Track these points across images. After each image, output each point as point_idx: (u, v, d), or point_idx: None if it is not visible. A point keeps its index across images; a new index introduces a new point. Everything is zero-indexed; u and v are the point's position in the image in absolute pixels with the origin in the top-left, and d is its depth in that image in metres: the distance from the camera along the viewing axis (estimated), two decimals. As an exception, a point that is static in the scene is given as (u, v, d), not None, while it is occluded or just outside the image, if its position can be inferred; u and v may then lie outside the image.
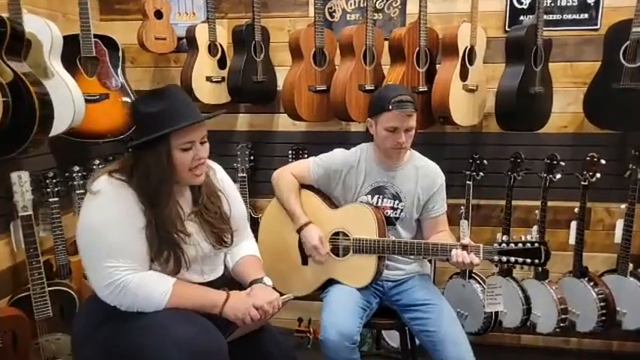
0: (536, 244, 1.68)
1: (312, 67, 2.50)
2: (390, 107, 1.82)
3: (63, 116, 2.04)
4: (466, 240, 1.77)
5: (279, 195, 2.03)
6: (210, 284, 1.58)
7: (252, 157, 2.75)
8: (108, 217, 1.40)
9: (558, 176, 2.42)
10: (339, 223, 1.96)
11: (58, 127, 2.03)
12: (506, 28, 2.56)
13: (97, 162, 2.43)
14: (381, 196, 1.98)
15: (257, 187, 2.83)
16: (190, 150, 1.45)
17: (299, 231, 1.95)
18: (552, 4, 2.53)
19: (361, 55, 2.45)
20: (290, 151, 2.73)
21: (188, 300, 1.46)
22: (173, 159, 1.43)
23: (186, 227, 1.51)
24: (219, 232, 1.59)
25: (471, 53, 2.42)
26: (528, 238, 1.72)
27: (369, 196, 1.99)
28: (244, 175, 2.74)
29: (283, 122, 2.81)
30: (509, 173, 2.50)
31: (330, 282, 1.97)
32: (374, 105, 1.92)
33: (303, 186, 2.05)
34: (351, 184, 2.00)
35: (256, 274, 1.64)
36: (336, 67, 2.56)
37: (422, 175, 1.98)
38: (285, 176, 2.03)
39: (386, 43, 2.54)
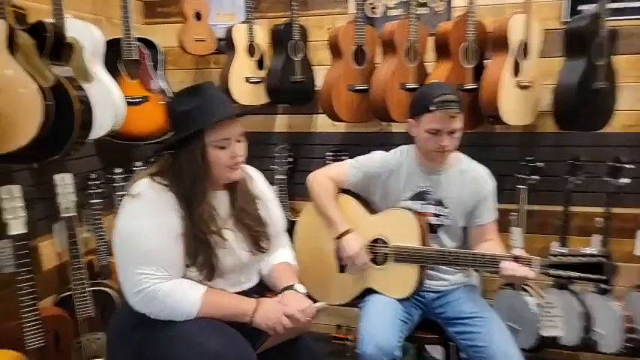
0: (599, 258, 1.51)
1: (352, 65, 2.40)
2: (433, 107, 1.69)
3: (104, 119, 2.05)
4: (518, 250, 1.62)
5: (316, 199, 1.94)
6: (244, 294, 1.52)
7: (290, 159, 2.70)
8: (144, 222, 1.37)
9: (624, 180, 2.20)
10: (379, 230, 1.86)
11: (99, 129, 2.05)
12: (565, 19, 2.37)
13: (139, 164, 2.44)
14: (423, 202, 1.86)
15: (295, 189, 2.76)
16: (226, 148, 1.41)
17: (338, 238, 1.86)
18: (615, -9, 2.30)
19: (404, 52, 2.33)
20: (329, 153, 2.65)
21: (218, 309, 1.40)
22: (208, 156, 1.40)
23: (222, 232, 1.46)
24: (257, 236, 1.53)
25: (524, 47, 2.25)
26: (588, 250, 1.54)
27: (411, 202, 1.87)
28: (283, 177, 2.68)
29: (322, 123, 2.73)
30: (568, 177, 2.30)
31: (369, 291, 1.87)
32: (415, 105, 1.80)
33: (341, 190, 1.96)
34: (391, 188, 1.88)
35: (289, 281, 1.57)
36: (377, 65, 2.45)
37: (469, 180, 1.84)
38: (322, 180, 1.95)
39: (430, 39, 2.40)
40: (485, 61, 2.35)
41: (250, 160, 2.76)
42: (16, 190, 1.72)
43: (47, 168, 2.04)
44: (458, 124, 1.74)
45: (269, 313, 1.42)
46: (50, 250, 2.12)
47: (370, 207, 1.94)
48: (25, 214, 1.74)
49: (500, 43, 2.25)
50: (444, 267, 1.84)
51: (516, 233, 2.42)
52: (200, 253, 1.40)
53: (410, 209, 1.85)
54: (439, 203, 1.85)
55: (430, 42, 2.40)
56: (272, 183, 2.73)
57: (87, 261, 2.11)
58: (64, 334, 1.89)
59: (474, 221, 1.87)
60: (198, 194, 1.41)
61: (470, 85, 2.30)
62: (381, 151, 1.96)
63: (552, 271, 1.56)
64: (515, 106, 2.26)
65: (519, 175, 2.37)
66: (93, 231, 2.25)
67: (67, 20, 1.94)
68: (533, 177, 2.35)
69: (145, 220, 1.37)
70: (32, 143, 1.61)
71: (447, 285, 1.87)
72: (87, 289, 2.02)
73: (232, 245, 1.48)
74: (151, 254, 1.35)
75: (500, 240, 1.89)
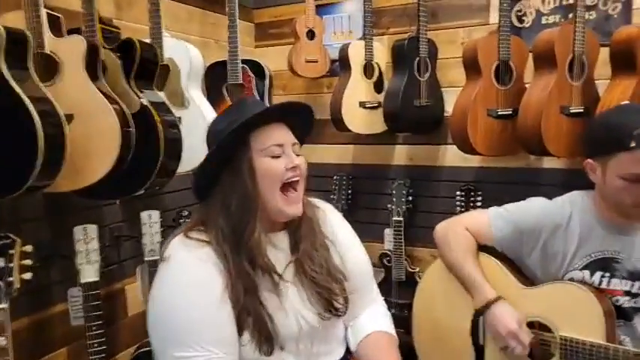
0: None
1: (494, 85, 1.92)
2: (634, 144, 1.17)
3: (196, 149, 1.80)
4: None
5: (449, 255, 1.48)
6: None
7: (410, 198, 2.29)
8: (180, 292, 1.05)
9: None
10: (537, 310, 1.33)
11: (191, 160, 1.80)
12: None
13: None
14: (607, 274, 1.31)
15: (415, 233, 2.33)
16: (280, 157, 1.11)
17: (483, 309, 1.37)
18: None
19: (566, 67, 1.79)
20: (458, 192, 2.17)
21: None
22: (257, 169, 1.09)
23: (279, 284, 1.11)
24: (327, 294, 1.14)
25: None
26: None
27: (587, 273, 1.33)
28: (400, 218, 2.27)
29: (451, 156, 2.26)
30: None
31: (520, 396, 1.34)
32: (601, 139, 1.28)
33: (481, 249, 1.47)
34: (556, 251, 1.36)
35: None
36: (526, 85, 1.93)
37: (681, 246, 1.25)
38: (458, 231, 1.48)
39: (603, 50, 1.83)
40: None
41: (363, 197, 2.49)
42: (91, 230, 1.51)
43: (138, 202, 1.86)
44: None
45: None
46: (136, 294, 1.91)
47: (522, 275, 1.42)
48: (100, 258, 1.51)
49: None
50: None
51: None
52: (248, 311, 1.05)
53: (585, 283, 1.30)
54: (635, 277, 1.29)
55: (603, 53, 1.82)
56: (387, 225, 2.33)
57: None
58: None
59: (690, 307, 1.26)
60: (249, 223, 1.08)
61: (664, 109, 1.68)
62: (541, 198, 1.45)
63: None
64: None
65: None
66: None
67: (165, 40, 1.75)
68: None
69: (179, 290, 1.05)
70: (111, 177, 1.38)
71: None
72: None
73: (295, 306, 1.11)
74: (190, 331, 1.01)
75: None
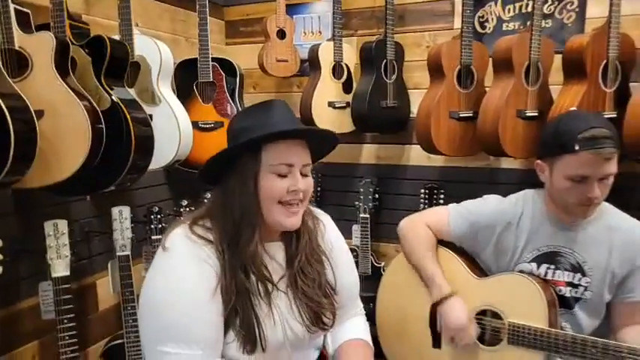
0: None
1: (456, 88, 2.01)
2: (577, 147, 1.26)
3: (167, 147, 1.84)
4: None
5: (411, 252, 1.56)
6: None
7: (376, 195, 2.36)
8: (173, 287, 1.06)
9: None
10: (489, 299, 1.43)
11: (162, 158, 1.84)
12: None
13: (209, 195, 2.21)
14: (552, 267, 1.41)
15: (380, 229, 2.42)
16: (286, 177, 1.09)
17: (438, 304, 1.46)
18: None
19: (522, 73, 1.89)
20: (422, 190, 2.26)
21: None
22: (261, 183, 1.08)
23: (272, 293, 1.12)
24: (317, 309, 1.16)
25: (688, 65, 1.72)
26: None
27: (534, 265, 1.42)
28: (367, 215, 2.34)
29: (416, 155, 2.35)
30: None
31: (473, 379, 1.43)
32: (549, 142, 1.37)
33: (440, 243, 1.55)
34: (507, 246, 1.45)
35: None
36: (487, 88, 2.03)
37: (620, 241, 1.37)
38: (418, 228, 1.56)
39: (557, 56, 1.94)
40: (631, 84, 1.85)
41: (331, 194, 2.55)
42: (62, 225, 1.52)
43: (109, 198, 1.87)
44: (613, 167, 1.29)
45: None
46: (107, 289, 1.93)
47: (477, 268, 1.51)
48: (70, 253, 1.53)
49: (655, 60, 1.74)
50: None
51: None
52: (238, 313, 1.07)
53: (532, 275, 1.40)
54: (577, 269, 1.39)
55: (558, 60, 1.94)
56: (354, 221, 2.40)
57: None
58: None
59: (625, 296, 1.39)
60: (248, 232, 1.08)
61: (610, 114, 1.81)
62: (496, 196, 1.54)
63: None
64: (676, 142, 1.72)
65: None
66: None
67: (135, 37, 1.77)
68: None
69: (174, 284, 1.06)
70: (81, 173, 1.40)
71: (584, 383, 1.38)
72: (139, 339, 1.77)
73: (284, 315, 1.13)
74: (178, 327, 1.03)
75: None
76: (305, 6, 2.50)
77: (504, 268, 1.46)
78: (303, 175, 1.10)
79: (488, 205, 1.51)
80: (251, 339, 1.07)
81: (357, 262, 2.40)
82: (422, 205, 2.24)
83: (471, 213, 1.51)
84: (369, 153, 2.49)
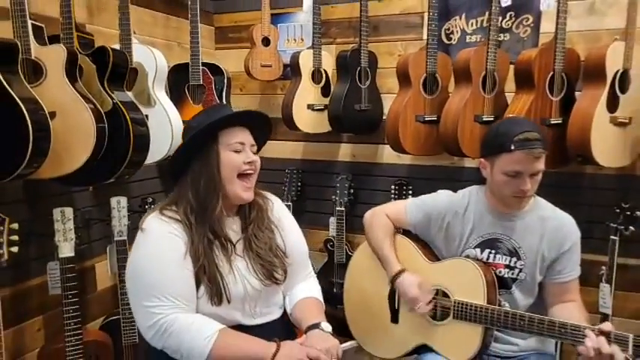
0: None
1: (421, 94, 2.24)
2: (513, 147, 1.48)
3: (161, 144, 2.04)
4: (607, 325, 1.35)
5: (371, 238, 1.78)
6: (263, 329, 1.41)
7: (351, 190, 2.58)
8: (150, 255, 1.33)
9: None
10: (439, 280, 1.66)
11: (157, 153, 2.05)
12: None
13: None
14: (493, 251, 1.64)
15: (355, 222, 2.62)
16: (241, 153, 1.40)
17: (393, 280, 1.68)
18: None
19: (480, 82, 2.12)
20: (393, 186, 2.49)
21: (233, 350, 1.29)
22: (222, 159, 1.37)
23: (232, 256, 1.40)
24: (269, 266, 1.43)
25: (623, 78, 1.96)
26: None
27: (478, 250, 1.65)
28: (342, 208, 2.56)
29: (388, 154, 2.57)
30: (674, 230, 1.96)
31: (424, 348, 1.66)
32: (490, 143, 1.59)
33: (401, 231, 1.78)
34: (455, 233, 1.68)
35: (313, 319, 1.43)
36: (450, 94, 2.26)
37: (550, 229, 1.60)
38: (380, 217, 1.78)
39: (512, 67, 2.18)
40: (576, 93, 2.09)
41: (311, 189, 2.77)
42: (68, 212, 1.73)
43: (108, 189, 2.07)
44: (541, 165, 1.51)
45: (290, 356, 1.28)
46: (105, 271, 2.13)
47: (431, 253, 1.74)
48: (75, 237, 1.74)
49: (594, 74, 1.98)
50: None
51: (605, 290, 2.09)
52: (205, 271, 1.33)
53: (476, 259, 1.64)
54: (513, 253, 1.62)
55: (512, 70, 2.17)
56: (331, 214, 2.62)
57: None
58: (104, 359, 1.86)
59: (554, 277, 1.61)
60: (213, 200, 1.37)
61: (556, 120, 2.05)
62: (447, 191, 1.77)
63: (651, 354, 1.27)
64: (609, 145, 1.97)
65: (612, 224, 2.05)
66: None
67: (134, 46, 1.97)
68: (628, 227, 2.02)
69: (151, 253, 1.33)
70: (86, 166, 1.61)
71: (516, 351, 1.62)
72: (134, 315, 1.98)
73: (242, 272, 1.40)
74: (158, 285, 1.29)
75: (581, 302, 1.62)
76: (288, 15, 2.71)
77: (453, 252, 1.69)
78: (253, 153, 1.42)
79: (440, 198, 1.74)
80: (217, 292, 1.34)
81: (332, 252, 2.62)
82: (392, 199, 2.47)
83: (425, 204, 1.74)
84: (345, 151, 2.71)
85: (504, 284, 1.63)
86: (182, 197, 1.39)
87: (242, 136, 1.40)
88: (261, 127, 1.49)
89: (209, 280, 1.33)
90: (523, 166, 1.50)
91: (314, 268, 2.69)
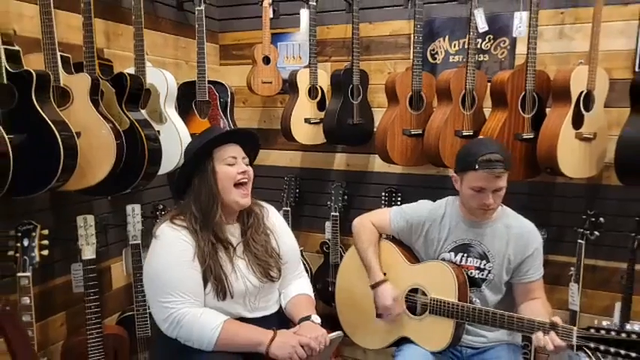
0: (644, 336, 1.42)
1: (408, 110, 2.45)
2: (477, 166, 1.69)
3: (171, 156, 2.25)
4: (556, 318, 1.56)
5: (358, 244, 2.00)
6: (261, 321, 1.63)
7: (345, 197, 2.78)
8: (164, 258, 1.56)
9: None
10: (418, 280, 1.87)
11: (168, 164, 2.25)
12: (637, 69, 2.26)
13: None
14: (465, 255, 1.85)
15: (349, 226, 2.71)
16: (234, 165, 1.62)
17: (373, 287, 1.91)
18: (696, 40, 2.17)
19: (459, 100, 2.34)
20: (383, 193, 2.70)
21: (236, 338, 1.52)
22: (218, 173, 1.60)
23: (234, 257, 1.62)
24: (265, 266, 1.66)
25: (587, 98, 2.17)
26: (637, 327, 1.46)
27: (452, 254, 1.87)
28: (336, 214, 2.77)
29: (379, 163, 2.76)
30: (634, 234, 2.17)
31: (405, 340, 1.88)
32: (460, 161, 1.81)
33: (386, 236, 2.00)
34: (433, 238, 1.90)
35: (305, 312, 1.66)
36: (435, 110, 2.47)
37: (514, 236, 1.81)
38: (366, 225, 2.00)
39: (489, 85, 2.39)
40: (547, 109, 2.30)
41: (308, 195, 2.99)
42: (90, 219, 1.95)
43: (124, 197, 2.28)
44: (502, 182, 1.72)
45: (285, 343, 1.51)
46: (121, 271, 2.36)
47: (412, 255, 1.96)
48: (96, 241, 1.96)
49: (561, 94, 2.19)
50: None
51: (574, 289, 2.31)
52: (211, 271, 1.56)
53: (451, 262, 1.85)
54: (482, 257, 1.83)
55: (489, 89, 2.38)
56: (327, 218, 2.82)
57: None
58: (122, 351, 2.09)
59: (520, 278, 1.83)
60: (215, 211, 1.59)
61: (527, 135, 2.26)
62: (426, 201, 1.98)
63: (592, 345, 1.48)
64: (574, 159, 2.18)
65: (579, 230, 2.27)
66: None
67: (147, 69, 2.18)
68: (593, 232, 2.24)
69: (164, 256, 1.56)
70: (107, 179, 1.82)
71: (485, 342, 1.84)
72: (147, 311, 2.20)
73: (242, 271, 1.63)
74: (171, 283, 1.52)
75: (545, 299, 1.84)
76: (287, 35, 2.92)
77: (431, 255, 1.90)
78: (245, 165, 1.65)
79: (420, 207, 1.96)
80: (222, 289, 1.57)
81: (328, 253, 2.82)
82: (382, 206, 2.68)
83: (407, 213, 1.95)
84: (340, 161, 2.92)
85: (475, 283, 1.84)
86: (187, 209, 1.63)
87: (233, 151, 1.63)
88: (250, 142, 1.72)
89: (215, 279, 1.56)
90: (486, 183, 1.71)
91: (311, 269, 2.94)
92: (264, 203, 1.82)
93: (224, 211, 1.63)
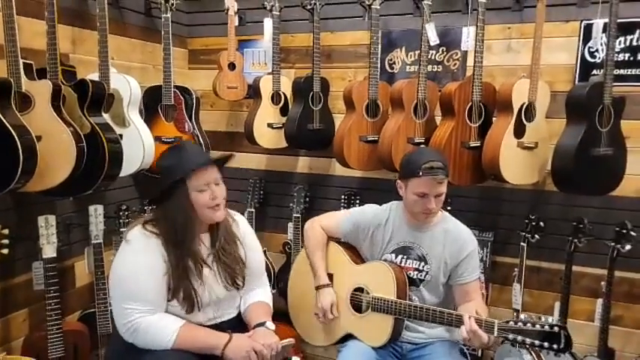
0: (556, 328, 1.56)
1: (364, 118, 2.57)
2: (420, 173, 1.80)
3: (133, 159, 2.34)
4: (480, 314, 1.69)
5: (307, 247, 2.12)
6: (219, 324, 1.72)
7: (307, 199, 2.89)
8: (132, 265, 1.62)
9: (628, 247, 2.19)
10: (361, 279, 1.99)
11: (130, 167, 2.34)
12: (577, 82, 2.41)
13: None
14: (405, 257, 1.97)
15: (311, 228, 2.93)
16: (206, 191, 1.65)
17: (316, 289, 2.03)
18: (630, 57, 2.33)
19: (411, 109, 2.46)
20: (343, 196, 2.81)
21: (193, 341, 1.61)
22: (192, 201, 1.64)
23: (204, 266, 1.69)
24: (232, 273, 1.74)
25: (528, 109, 2.32)
26: (550, 320, 1.60)
27: (393, 255, 1.99)
28: (299, 215, 2.87)
29: (340, 167, 2.85)
30: (570, 238, 2.32)
31: (350, 337, 1.99)
32: (404, 169, 1.92)
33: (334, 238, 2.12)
34: (377, 241, 2.02)
35: (260, 319, 1.76)
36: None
37: (451, 240, 1.94)
38: (315, 228, 2.11)
39: (439, 95, 2.52)
40: (494, 119, 2.43)
41: (272, 197, 3.10)
42: (51, 219, 2.03)
43: (87, 197, 2.35)
44: (443, 188, 1.85)
45: (239, 347, 1.61)
46: (83, 270, 2.43)
47: (358, 257, 2.07)
48: (57, 240, 2.04)
49: (504, 105, 2.33)
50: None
51: (517, 289, 2.45)
52: (182, 289, 1.63)
53: (392, 262, 1.97)
54: (421, 259, 1.96)
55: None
56: (289, 220, 2.93)
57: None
58: (82, 347, 2.17)
59: (456, 280, 1.95)
60: (189, 234, 1.65)
61: (474, 143, 2.39)
62: (373, 205, 2.10)
63: (510, 336, 1.62)
64: (516, 166, 2.31)
65: (521, 233, 2.41)
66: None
67: (111, 75, 2.26)
68: (534, 235, 2.38)
69: (133, 263, 1.63)
70: (68, 181, 1.91)
71: (424, 338, 1.96)
72: (108, 309, 2.29)
73: (209, 281, 1.70)
74: (136, 292, 1.59)
75: (481, 300, 1.97)
76: (253, 42, 3.02)
77: (375, 256, 2.02)
78: (216, 185, 1.69)
79: (367, 211, 2.07)
80: (191, 304, 1.64)
81: (290, 253, 2.94)
82: (342, 208, 2.80)
83: (355, 217, 2.07)
84: (302, 164, 3.03)
85: (414, 283, 1.97)
86: (162, 221, 1.67)
87: (206, 177, 1.65)
88: (221, 161, 1.78)
89: (184, 296, 1.63)
90: (429, 188, 1.83)
91: (274, 268, 3.04)
92: (234, 213, 1.89)
93: (197, 224, 1.68)
